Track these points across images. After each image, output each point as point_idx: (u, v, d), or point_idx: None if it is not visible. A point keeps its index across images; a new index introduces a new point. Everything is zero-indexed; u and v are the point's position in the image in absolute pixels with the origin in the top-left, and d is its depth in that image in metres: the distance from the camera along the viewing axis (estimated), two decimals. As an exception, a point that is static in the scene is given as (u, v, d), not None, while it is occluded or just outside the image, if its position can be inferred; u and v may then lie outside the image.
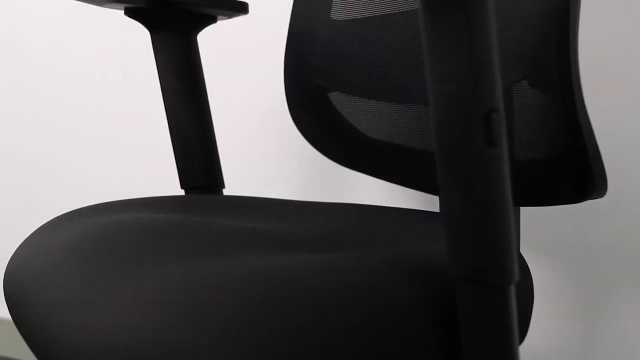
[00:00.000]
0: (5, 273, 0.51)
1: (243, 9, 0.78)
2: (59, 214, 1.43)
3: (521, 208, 0.94)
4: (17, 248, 0.53)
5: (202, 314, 0.35)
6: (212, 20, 0.79)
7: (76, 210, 0.59)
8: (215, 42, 1.18)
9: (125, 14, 0.75)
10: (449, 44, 0.33)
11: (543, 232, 0.95)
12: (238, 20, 1.16)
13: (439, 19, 0.33)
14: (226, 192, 1.22)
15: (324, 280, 0.39)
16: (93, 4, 0.72)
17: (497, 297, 0.37)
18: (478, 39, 0.32)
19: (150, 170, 1.30)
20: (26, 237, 1.48)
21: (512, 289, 0.37)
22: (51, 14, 1.36)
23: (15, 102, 1.45)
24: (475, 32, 0.32)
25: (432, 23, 0.33)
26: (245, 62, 1.16)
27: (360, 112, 0.72)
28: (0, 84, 1.47)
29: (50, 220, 0.57)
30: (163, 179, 1.28)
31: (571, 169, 0.50)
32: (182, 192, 1.34)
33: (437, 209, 1.04)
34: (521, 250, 0.97)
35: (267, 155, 1.16)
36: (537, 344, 0.97)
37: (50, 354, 0.39)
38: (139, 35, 1.26)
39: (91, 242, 0.47)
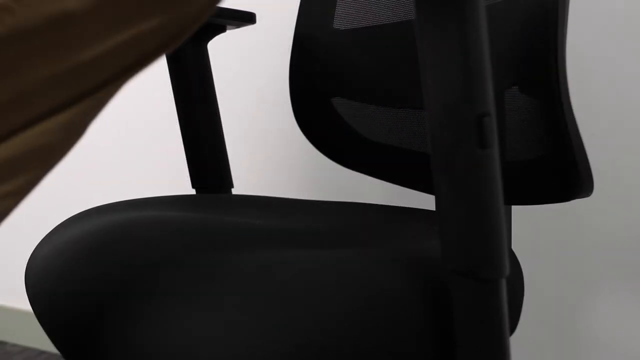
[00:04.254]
0: (26, 267, 0.52)
1: (250, 19, 0.78)
2: (58, 213, 1.43)
3: (512, 206, 0.94)
4: (38, 244, 0.54)
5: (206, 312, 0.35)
6: (222, 29, 0.79)
7: (94, 208, 0.60)
8: (224, 50, 1.19)
9: (140, 24, 0.75)
10: (443, 52, 0.33)
11: (533, 230, 0.94)
12: (245, 30, 1.16)
13: (434, 28, 0.33)
14: (234, 191, 1.22)
15: (323, 277, 0.39)
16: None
17: (489, 291, 0.37)
18: (471, 47, 0.32)
19: (151, 171, 1.30)
20: (28, 234, 1.48)
21: (503, 283, 0.37)
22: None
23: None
24: (468, 41, 0.32)
25: (427, 32, 0.33)
26: (253, 69, 1.16)
27: (361, 116, 0.72)
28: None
29: (70, 217, 0.58)
30: (164, 180, 1.28)
31: (559, 169, 0.50)
32: (192, 192, 1.34)
33: (434, 208, 1.04)
34: (512, 247, 0.97)
35: (273, 157, 1.16)
36: (526, 335, 0.97)
37: (69, 344, 0.39)
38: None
39: (107, 238, 0.47)
